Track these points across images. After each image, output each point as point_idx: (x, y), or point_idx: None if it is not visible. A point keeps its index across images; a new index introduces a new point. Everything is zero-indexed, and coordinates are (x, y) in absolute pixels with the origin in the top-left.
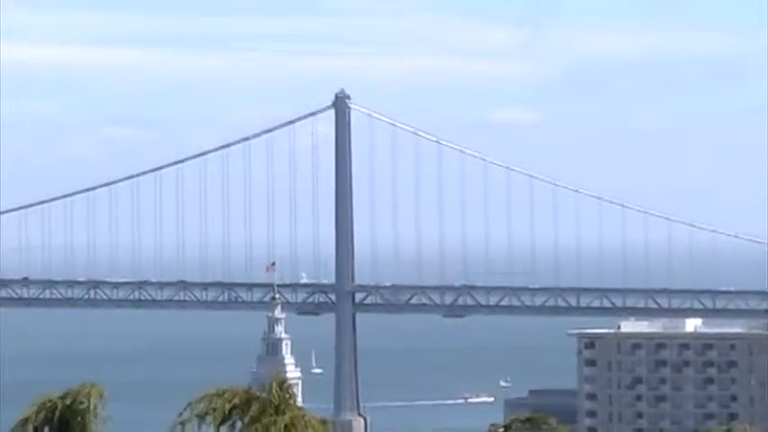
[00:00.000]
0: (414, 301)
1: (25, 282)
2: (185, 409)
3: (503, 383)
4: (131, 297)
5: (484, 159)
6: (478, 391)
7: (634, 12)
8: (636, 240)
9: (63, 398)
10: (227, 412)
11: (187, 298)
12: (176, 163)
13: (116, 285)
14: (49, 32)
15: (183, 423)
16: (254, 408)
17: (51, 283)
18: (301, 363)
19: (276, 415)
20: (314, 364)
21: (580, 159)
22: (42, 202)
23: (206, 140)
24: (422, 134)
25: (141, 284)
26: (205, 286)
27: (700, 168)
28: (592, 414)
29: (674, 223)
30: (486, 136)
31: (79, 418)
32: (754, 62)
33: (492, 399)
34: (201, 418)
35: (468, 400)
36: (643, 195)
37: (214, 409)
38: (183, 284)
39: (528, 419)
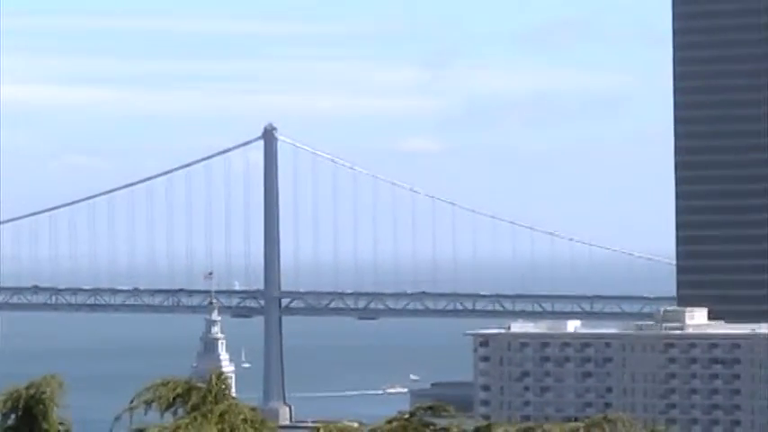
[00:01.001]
0: (332, 305)
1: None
2: (134, 399)
3: (413, 377)
4: (88, 302)
5: (392, 183)
6: (394, 383)
7: (521, 54)
8: (524, 253)
9: (27, 388)
10: (171, 400)
11: (137, 302)
12: (127, 186)
13: (75, 291)
14: None
15: (131, 409)
16: (195, 397)
17: (19, 290)
18: (234, 359)
19: (214, 404)
20: (244, 359)
21: (476, 183)
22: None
23: (152, 167)
24: (339, 161)
25: (96, 291)
26: (152, 292)
27: (581, 188)
28: (486, 403)
29: (557, 238)
30: (394, 163)
31: (41, 406)
32: (627, 98)
33: (406, 390)
34: (148, 404)
35: (387, 391)
36: (530, 213)
37: (159, 397)
38: (134, 291)
39: (430, 407)
